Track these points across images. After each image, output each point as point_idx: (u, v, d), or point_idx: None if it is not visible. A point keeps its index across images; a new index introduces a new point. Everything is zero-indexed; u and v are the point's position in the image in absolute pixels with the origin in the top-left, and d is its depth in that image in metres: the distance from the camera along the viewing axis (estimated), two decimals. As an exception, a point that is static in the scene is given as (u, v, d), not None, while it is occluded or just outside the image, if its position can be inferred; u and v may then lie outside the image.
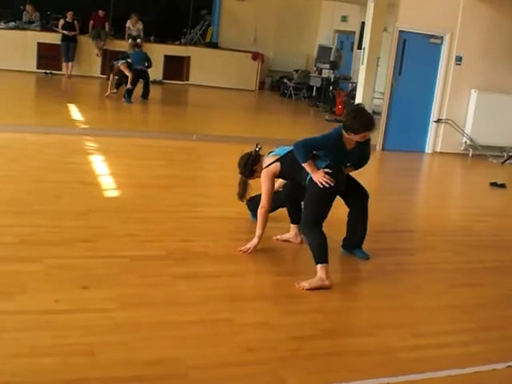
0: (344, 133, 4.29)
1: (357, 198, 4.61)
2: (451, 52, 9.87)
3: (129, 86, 11.27)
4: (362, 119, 4.26)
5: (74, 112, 9.84)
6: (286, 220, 4.88)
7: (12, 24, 14.44)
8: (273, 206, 4.61)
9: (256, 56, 15.83)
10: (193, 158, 8.30)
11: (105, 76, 12.34)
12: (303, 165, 4.21)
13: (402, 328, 3.66)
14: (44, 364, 2.82)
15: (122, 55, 11.93)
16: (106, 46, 14.51)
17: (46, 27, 14.60)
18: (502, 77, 10.13)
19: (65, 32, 13.85)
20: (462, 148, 10.26)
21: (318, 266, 4.02)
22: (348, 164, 4.50)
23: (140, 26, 14.74)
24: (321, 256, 4.03)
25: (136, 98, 11.55)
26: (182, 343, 3.15)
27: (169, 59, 15.09)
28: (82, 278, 3.75)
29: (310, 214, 4.20)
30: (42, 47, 14.10)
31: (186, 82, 15.32)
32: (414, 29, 9.62)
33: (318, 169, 4.18)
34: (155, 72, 14.50)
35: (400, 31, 9.64)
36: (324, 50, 14.75)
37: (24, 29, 14.34)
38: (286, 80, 15.63)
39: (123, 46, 14.02)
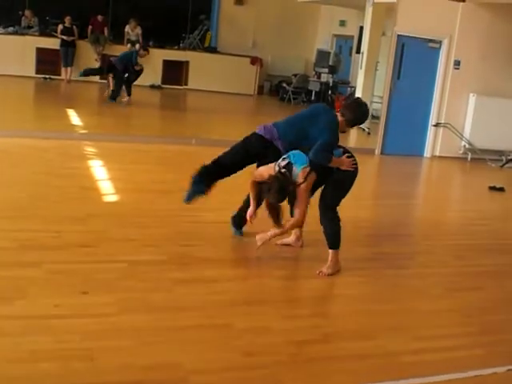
0: (339, 118, 4.43)
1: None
2: (450, 56, 9.88)
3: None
4: (365, 114, 4.57)
5: (74, 117, 9.84)
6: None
7: (11, 29, 14.43)
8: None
9: (255, 60, 15.84)
10: (192, 162, 8.27)
11: (105, 81, 12.42)
12: (330, 164, 4.28)
13: (403, 332, 3.66)
14: (44, 369, 2.82)
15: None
16: (104, 50, 14.52)
17: (45, 32, 14.61)
18: (500, 81, 10.14)
19: (64, 37, 13.87)
20: (461, 152, 10.27)
21: (332, 250, 4.32)
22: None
23: (139, 30, 14.76)
24: (336, 242, 4.34)
25: (134, 102, 11.56)
26: (182, 348, 3.15)
27: (167, 64, 15.10)
28: (82, 283, 3.75)
29: (334, 202, 4.35)
30: (40, 52, 14.09)
31: (185, 87, 15.33)
32: (413, 33, 9.63)
33: (338, 157, 4.31)
34: (154, 77, 14.55)
35: (398, 35, 9.65)
36: (323, 55, 14.78)
37: (23, 34, 14.34)
38: (284, 84, 15.64)
39: (122, 50, 14.01)
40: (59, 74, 14.20)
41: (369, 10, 10.86)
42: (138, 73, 11.89)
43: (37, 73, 14.09)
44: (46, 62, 14.15)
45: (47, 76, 14.10)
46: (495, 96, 10.05)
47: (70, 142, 8.08)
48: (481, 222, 6.49)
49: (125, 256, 4.30)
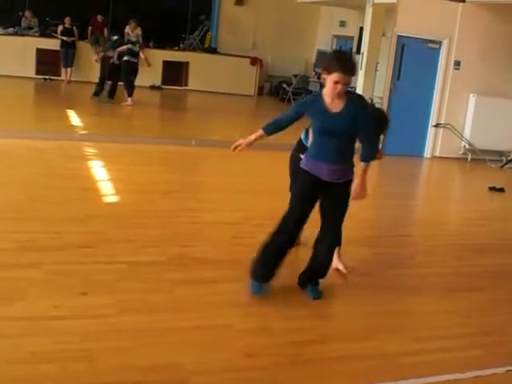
0: (323, 91, 3.81)
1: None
2: (450, 57, 9.88)
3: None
4: (340, 56, 3.79)
5: (74, 118, 9.84)
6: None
7: (11, 30, 14.45)
8: None
9: (255, 61, 15.84)
10: (192, 163, 8.31)
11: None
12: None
13: (402, 333, 3.66)
14: (43, 370, 2.82)
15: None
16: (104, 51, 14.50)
17: (45, 33, 14.62)
18: (500, 81, 10.14)
19: (64, 38, 13.87)
20: (461, 152, 10.26)
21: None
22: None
23: (139, 31, 14.72)
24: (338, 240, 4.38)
25: (134, 102, 11.57)
26: (182, 349, 3.15)
27: (168, 64, 15.10)
28: (82, 284, 3.75)
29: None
30: (40, 53, 14.10)
31: (185, 88, 15.32)
32: (413, 34, 9.63)
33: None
34: (154, 77, 14.54)
35: (398, 36, 9.66)
36: (323, 55, 14.78)
37: (23, 35, 14.36)
38: (284, 85, 15.63)
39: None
40: (59, 75, 14.20)
41: (369, 11, 10.84)
42: (132, 69, 11.88)
43: (37, 73, 14.10)
44: (46, 63, 14.15)
45: (47, 77, 14.10)
46: (495, 96, 10.05)
47: (69, 142, 8.08)
48: (481, 222, 6.49)
49: (124, 257, 4.30)
